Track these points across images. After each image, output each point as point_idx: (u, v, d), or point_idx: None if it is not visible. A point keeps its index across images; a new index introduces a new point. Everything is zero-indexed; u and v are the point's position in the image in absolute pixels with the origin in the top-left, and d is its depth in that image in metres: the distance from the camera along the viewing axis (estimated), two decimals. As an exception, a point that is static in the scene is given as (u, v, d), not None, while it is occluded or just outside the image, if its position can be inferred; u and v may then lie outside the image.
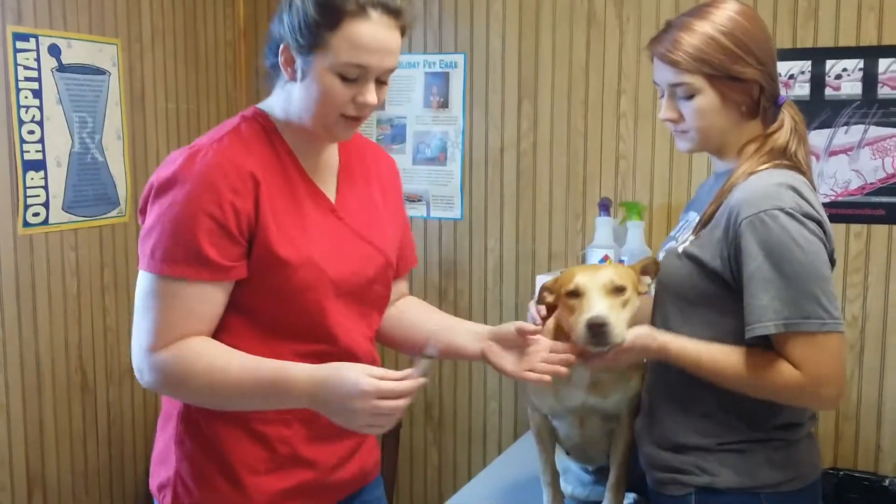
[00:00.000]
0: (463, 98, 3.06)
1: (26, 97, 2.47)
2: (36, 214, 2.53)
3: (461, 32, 3.04)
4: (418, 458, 3.28)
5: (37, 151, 2.51)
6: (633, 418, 1.73)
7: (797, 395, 1.45)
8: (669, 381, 1.60)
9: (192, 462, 1.46)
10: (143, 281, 1.37)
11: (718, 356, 1.48)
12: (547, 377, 1.54)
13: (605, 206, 2.72)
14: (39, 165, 2.53)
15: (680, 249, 1.56)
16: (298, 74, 1.40)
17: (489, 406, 3.14)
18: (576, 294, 1.55)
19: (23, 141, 2.48)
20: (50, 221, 2.57)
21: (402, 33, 1.43)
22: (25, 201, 2.50)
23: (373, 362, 1.54)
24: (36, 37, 2.50)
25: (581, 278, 1.56)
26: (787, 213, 1.41)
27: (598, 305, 1.50)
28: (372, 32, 1.36)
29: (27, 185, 2.49)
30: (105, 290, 2.81)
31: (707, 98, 1.51)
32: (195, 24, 3.12)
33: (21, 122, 2.47)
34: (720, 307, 1.50)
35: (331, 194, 1.51)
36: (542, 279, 2.72)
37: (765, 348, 1.46)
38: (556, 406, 1.75)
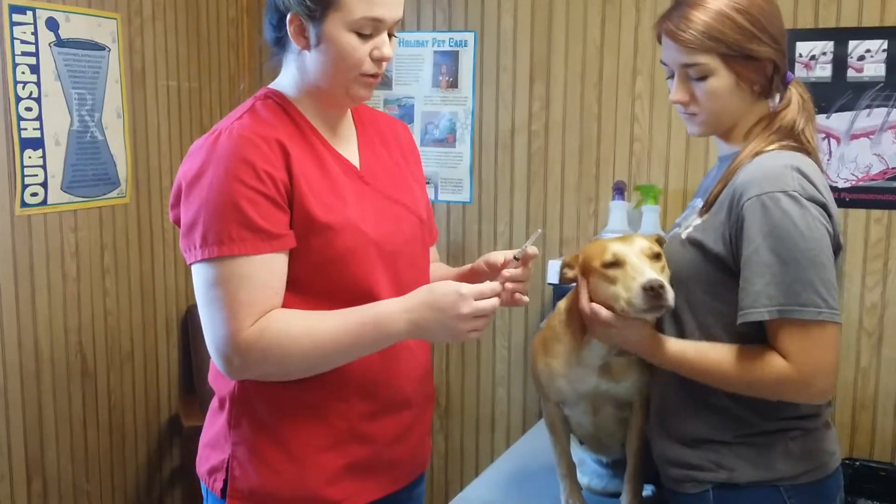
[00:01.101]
0: (473, 78, 2.99)
1: (23, 72, 2.40)
2: (34, 194, 2.46)
3: (471, 10, 2.97)
4: (424, 446, 3.22)
5: (34, 129, 2.44)
6: (647, 406, 1.69)
7: (786, 388, 1.41)
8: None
9: (249, 444, 1.45)
10: (202, 273, 1.35)
11: (706, 349, 1.47)
12: (524, 298, 1.55)
13: (619, 190, 2.67)
14: (37, 144, 2.45)
15: (683, 235, 1.52)
16: (312, 41, 1.39)
17: (497, 393, 3.10)
18: (615, 264, 1.50)
19: (20, 118, 2.40)
20: (48, 202, 2.51)
21: None
22: (23, 181, 2.43)
23: None
24: (33, 10, 2.42)
25: (618, 247, 1.52)
26: (790, 196, 1.38)
27: (647, 270, 1.46)
28: None
29: (24, 164, 2.43)
30: (106, 272, 2.75)
31: (721, 79, 1.47)
32: (197, 0, 3.04)
33: (18, 99, 2.40)
34: (726, 296, 1.46)
35: (354, 161, 1.52)
36: (553, 265, 2.69)
37: (758, 340, 1.43)
38: (566, 391, 1.70)
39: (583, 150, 2.87)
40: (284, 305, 1.40)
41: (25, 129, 2.42)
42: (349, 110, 1.56)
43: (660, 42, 1.55)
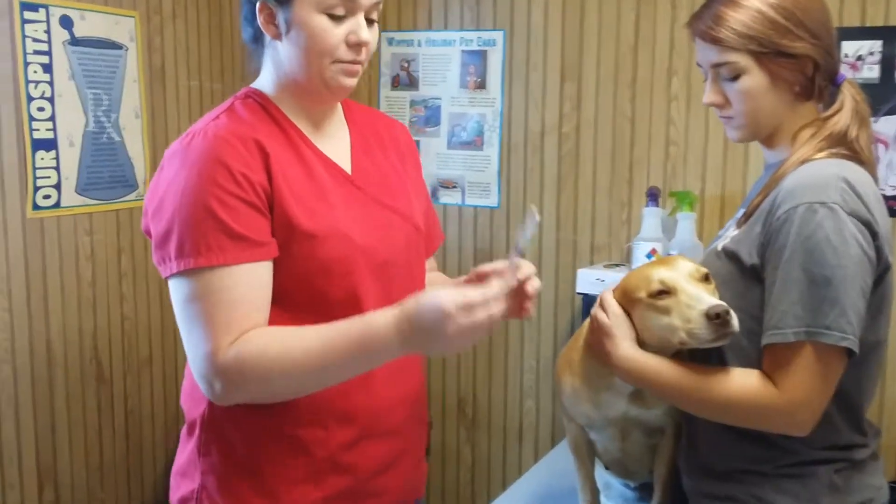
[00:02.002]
0: (501, 78, 2.90)
1: (35, 72, 2.35)
2: (47, 197, 2.42)
3: (500, 7, 2.88)
4: (450, 457, 3.15)
5: (47, 130, 2.39)
6: (679, 433, 1.60)
7: (765, 416, 1.33)
8: None
9: (218, 474, 1.36)
10: (179, 287, 1.25)
11: (682, 365, 1.39)
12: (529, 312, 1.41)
13: (653, 196, 2.56)
14: (50, 145, 2.41)
15: (720, 247, 1.45)
16: (282, 28, 1.30)
17: (525, 404, 3.01)
18: (665, 293, 1.40)
19: (32, 118, 2.36)
20: (62, 204, 2.46)
21: None
22: (35, 183, 2.38)
23: None
24: (46, 7, 2.37)
25: (664, 273, 1.41)
26: (829, 208, 1.28)
27: (704, 295, 1.36)
28: None
29: (36, 166, 2.38)
30: (122, 276, 2.70)
31: (754, 78, 1.39)
32: (219, -3, 2.98)
33: (30, 99, 2.35)
34: (762, 314, 1.36)
35: (345, 164, 1.42)
36: (583, 273, 2.60)
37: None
38: (593, 416, 1.61)
39: (615, 154, 2.76)
40: (273, 321, 1.29)
41: (38, 129, 2.37)
42: (339, 109, 1.46)
43: (694, 42, 1.46)
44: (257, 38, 1.36)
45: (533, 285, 1.35)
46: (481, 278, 1.38)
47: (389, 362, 1.29)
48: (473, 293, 1.18)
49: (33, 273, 2.42)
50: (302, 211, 1.29)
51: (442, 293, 1.18)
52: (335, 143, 1.43)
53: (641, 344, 1.47)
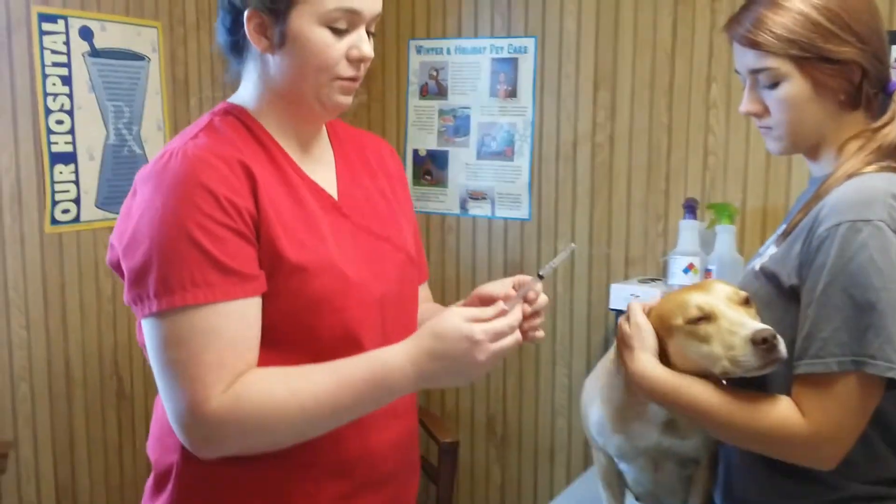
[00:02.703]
0: (533, 86, 2.82)
1: (54, 84, 2.32)
2: (65, 211, 2.38)
3: (532, 13, 2.81)
4: (479, 477, 3.09)
5: (66, 143, 2.36)
6: (715, 464, 1.52)
7: (789, 447, 1.25)
8: None
9: None
10: (158, 329, 1.11)
11: (708, 385, 1.31)
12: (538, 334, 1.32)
13: (690, 208, 2.47)
14: (69, 158, 2.37)
15: (758, 266, 1.36)
16: (276, 40, 1.19)
17: (557, 423, 2.92)
18: (704, 318, 1.31)
19: (50, 132, 2.32)
20: (81, 219, 2.42)
21: None
22: (53, 197, 2.34)
23: None
24: (65, 18, 2.33)
25: (701, 298, 1.32)
26: (875, 226, 1.20)
27: (747, 320, 1.27)
28: None
29: (54, 180, 2.34)
30: (143, 291, 2.64)
31: (795, 85, 1.30)
32: (245, 7, 2.93)
33: (48, 111, 2.31)
34: None
35: (331, 190, 1.32)
36: (617, 288, 2.52)
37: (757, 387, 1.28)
38: (624, 446, 1.53)
39: (651, 164, 2.67)
40: (260, 363, 1.17)
41: (56, 143, 2.34)
42: (324, 128, 1.36)
43: (732, 46, 1.38)
44: (237, 48, 1.25)
45: (538, 304, 1.27)
46: (484, 301, 1.29)
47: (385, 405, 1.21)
48: (504, 322, 1.16)
49: (51, 289, 2.39)
50: (290, 242, 1.19)
51: (459, 322, 1.14)
52: (321, 165, 1.32)
53: None
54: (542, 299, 1.27)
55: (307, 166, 1.29)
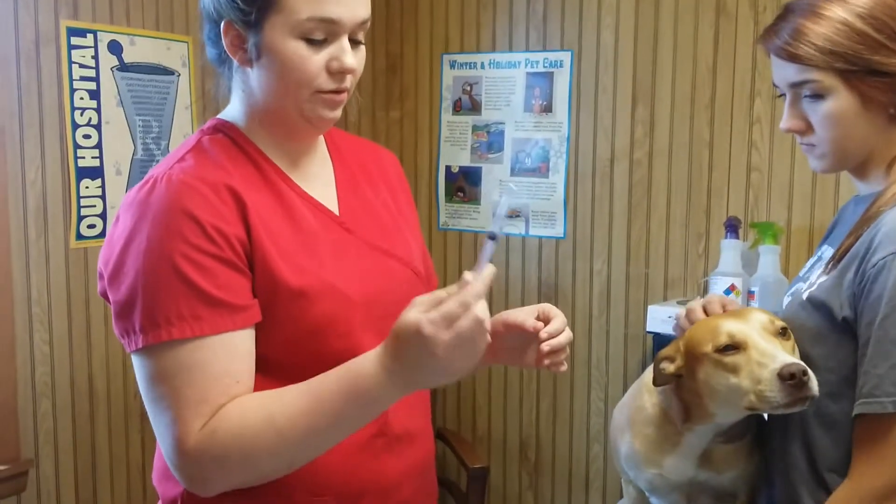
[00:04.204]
0: (569, 101, 2.77)
1: (82, 98, 2.30)
2: (91, 226, 2.36)
3: (568, 27, 2.76)
4: (511, 504, 2.98)
5: (93, 158, 2.34)
6: (754, 498, 1.43)
7: None
8: (791, 453, 1.28)
9: None
10: (146, 363, 1.07)
11: None
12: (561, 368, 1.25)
13: (732, 227, 2.39)
14: (96, 173, 2.35)
15: (804, 295, 1.27)
16: (252, 53, 1.13)
17: (592, 449, 2.84)
18: (733, 347, 1.23)
19: (77, 146, 2.31)
20: (107, 234, 2.39)
21: None
22: (79, 211, 2.32)
23: (423, 394, 1.31)
24: (94, 32, 2.33)
25: (733, 325, 1.25)
26: None
27: (779, 352, 1.20)
28: None
29: (81, 195, 2.32)
30: (170, 308, 2.61)
31: (841, 100, 1.21)
32: (277, 21, 2.91)
33: (76, 126, 2.30)
34: (855, 376, 1.20)
35: (332, 205, 1.26)
36: (654, 310, 2.43)
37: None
38: (656, 481, 1.45)
39: (692, 181, 2.60)
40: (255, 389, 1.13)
41: (83, 157, 2.32)
42: (321, 139, 1.30)
43: (770, 58, 1.29)
44: (224, 60, 1.19)
45: (558, 341, 1.19)
46: (509, 329, 1.22)
47: (397, 429, 1.14)
48: (450, 302, 0.99)
49: (76, 304, 2.37)
50: (288, 266, 1.13)
51: (412, 313, 1.00)
52: (319, 180, 1.26)
53: (704, 408, 1.28)
54: (565, 336, 1.20)
55: (304, 182, 1.23)
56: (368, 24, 1.16)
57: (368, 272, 1.22)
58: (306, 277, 1.14)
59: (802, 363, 1.16)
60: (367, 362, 1.05)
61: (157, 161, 2.48)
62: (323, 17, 1.10)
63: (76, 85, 2.29)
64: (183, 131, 2.59)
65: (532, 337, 1.22)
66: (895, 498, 1.11)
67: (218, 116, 1.23)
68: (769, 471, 1.35)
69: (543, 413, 2.91)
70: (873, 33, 1.18)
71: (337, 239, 1.22)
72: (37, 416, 2.30)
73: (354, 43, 1.15)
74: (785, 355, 1.18)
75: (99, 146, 2.36)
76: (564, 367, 1.23)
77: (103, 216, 2.39)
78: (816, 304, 1.23)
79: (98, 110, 2.35)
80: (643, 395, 1.42)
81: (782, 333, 1.24)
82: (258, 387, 1.12)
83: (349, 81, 1.16)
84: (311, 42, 1.11)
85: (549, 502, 2.94)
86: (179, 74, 2.57)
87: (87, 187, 2.33)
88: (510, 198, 1.11)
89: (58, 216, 2.30)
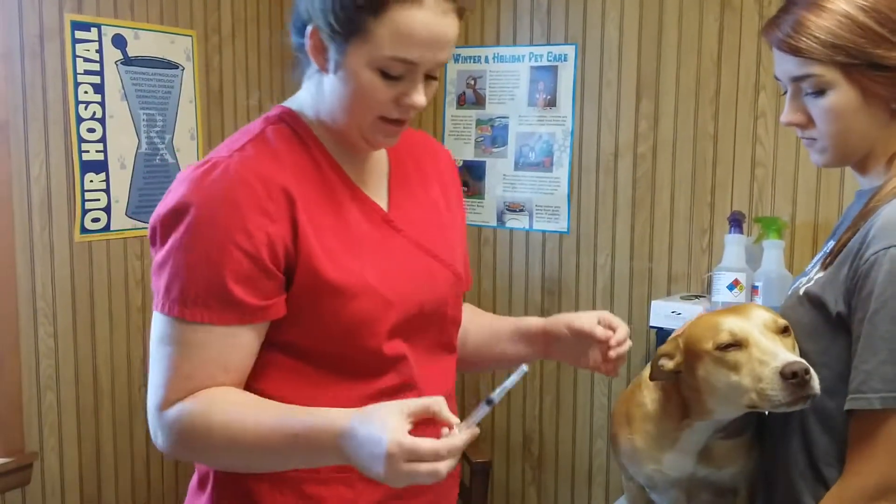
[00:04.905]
0: (573, 95, 2.75)
1: (86, 92, 2.31)
2: (95, 220, 2.37)
3: (572, 20, 2.74)
4: (514, 498, 3.02)
5: (97, 151, 2.35)
6: (754, 494, 1.43)
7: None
8: (790, 449, 1.28)
9: None
10: (158, 324, 1.17)
11: None
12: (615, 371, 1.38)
13: (736, 222, 2.37)
14: (100, 167, 2.36)
15: (802, 290, 1.27)
16: (331, 65, 1.17)
17: (595, 444, 2.83)
18: (734, 345, 1.23)
19: (81, 140, 2.32)
20: (111, 228, 2.41)
21: (460, 17, 1.18)
22: (83, 205, 2.33)
23: (450, 394, 1.34)
24: (98, 26, 2.33)
25: (734, 322, 1.25)
26: None
27: (780, 350, 1.20)
28: (425, 21, 1.12)
29: (85, 188, 2.33)
30: (174, 301, 2.62)
31: (842, 94, 1.20)
32: (281, 14, 2.92)
33: (80, 119, 2.31)
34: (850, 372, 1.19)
35: (383, 202, 1.29)
36: (658, 305, 2.43)
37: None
38: (656, 476, 1.45)
39: (696, 176, 2.58)
40: (281, 377, 1.20)
41: (87, 151, 2.33)
42: None
43: (772, 52, 1.28)
44: (303, 50, 1.22)
45: (623, 349, 1.30)
46: (574, 334, 1.33)
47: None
48: (425, 444, 1.01)
49: (80, 298, 2.38)
50: (330, 263, 1.18)
51: (391, 422, 1.02)
52: (373, 175, 1.30)
53: (703, 405, 1.28)
54: (627, 344, 1.31)
55: (358, 177, 1.27)
56: (446, 62, 1.19)
57: (410, 272, 1.26)
58: (346, 275, 1.18)
59: (804, 362, 1.16)
60: (334, 423, 1.07)
61: (162, 155, 2.50)
62: (405, 59, 1.13)
63: (80, 79, 2.30)
64: (187, 126, 2.60)
65: (594, 342, 1.30)
66: (888, 497, 1.11)
67: (284, 104, 1.27)
68: (768, 467, 1.35)
69: (547, 408, 2.90)
70: (875, 27, 1.17)
71: (383, 237, 1.25)
72: (41, 409, 2.31)
73: (429, 78, 1.18)
74: (787, 353, 1.18)
75: (103, 140, 2.36)
76: (617, 373, 1.34)
77: (107, 210, 2.40)
78: (812, 300, 1.23)
79: (102, 104, 2.35)
80: (642, 391, 1.42)
81: (784, 331, 1.24)
82: (295, 377, 1.20)
83: (413, 113, 1.20)
84: (387, 76, 1.14)
85: (552, 497, 2.93)
86: (184, 68, 2.57)
87: (91, 181, 2.34)
88: (519, 377, 1.15)
89: (62, 210, 2.30)
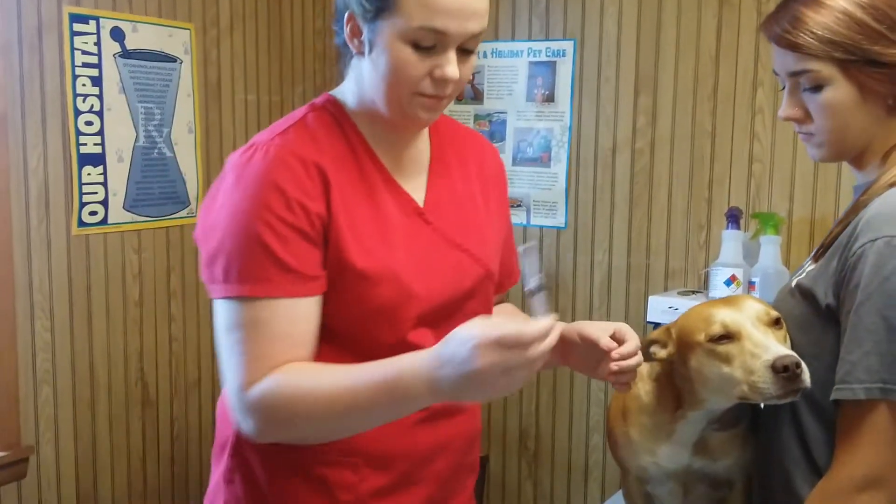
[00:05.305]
0: (571, 91, 2.76)
1: (84, 85, 2.30)
2: (93, 213, 2.36)
3: (571, 16, 2.74)
4: (511, 493, 3.01)
5: (95, 144, 2.34)
6: (749, 486, 1.44)
7: (831, 498, 1.15)
8: (784, 440, 1.28)
9: None
10: (222, 312, 1.19)
11: None
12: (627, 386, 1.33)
13: (733, 217, 2.38)
14: (98, 160, 2.35)
15: (793, 283, 1.28)
16: (366, 47, 1.20)
17: (592, 439, 2.84)
18: (727, 337, 1.24)
19: (79, 132, 2.31)
20: (109, 221, 2.40)
21: None
22: (81, 198, 2.32)
23: None
24: (96, 19, 2.32)
25: (727, 314, 1.26)
26: None
27: (772, 343, 1.20)
28: None
29: (82, 181, 2.32)
30: (171, 296, 2.63)
31: (840, 90, 1.20)
32: (280, 8, 2.92)
33: (78, 112, 2.30)
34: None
35: (419, 194, 1.31)
36: (655, 300, 2.43)
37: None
38: (652, 468, 1.46)
39: (693, 171, 2.59)
40: (319, 359, 1.21)
41: (85, 144, 2.32)
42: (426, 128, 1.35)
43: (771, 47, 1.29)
44: (346, 46, 1.26)
45: (628, 364, 1.24)
46: (585, 341, 1.28)
47: (438, 404, 1.19)
48: (508, 328, 1.03)
49: (77, 291, 2.37)
50: (358, 248, 1.20)
51: (476, 324, 1.06)
52: (412, 167, 1.31)
53: (695, 395, 1.29)
54: (635, 360, 1.25)
55: (396, 167, 1.29)
56: (482, 35, 1.20)
57: (438, 266, 1.27)
58: (372, 261, 1.20)
59: (795, 355, 1.17)
60: (416, 360, 1.10)
61: (160, 148, 2.50)
62: (433, 28, 1.14)
63: (78, 72, 2.29)
64: (185, 119, 2.59)
65: (604, 353, 1.27)
66: (874, 488, 1.11)
67: (330, 93, 1.31)
68: (763, 457, 1.36)
69: (543, 403, 2.91)
70: (873, 23, 1.18)
71: (414, 229, 1.27)
72: (37, 403, 2.30)
73: (465, 52, 1.19)
74: (779, 347, 1.19)
75: (101, 133, 2.36)
76: (629, 389, 1.30)
77: (105, 203, 2.39)
78: (804, 292, 1.24)
79: (100, 97, 2.34)
80: (637, 384, 1.43)
81: (776, 323, 1.24)
82: (322, 355, 1.21)
83: (451, 88, 1.20)
84: (419, 48, 1.16)
85: (548, 492, 2.94)
86: (182, 61, 2.56)
87: (88, 174, 2.33)
88: (534, 257, 1.16)
89: (59, 203, 2.30)
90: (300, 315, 1.17)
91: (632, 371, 1.27)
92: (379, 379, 1.11)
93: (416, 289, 1.23)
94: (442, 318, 1.27)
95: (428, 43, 1.15)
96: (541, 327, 1.04)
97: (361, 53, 1.21)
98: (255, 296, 1.15)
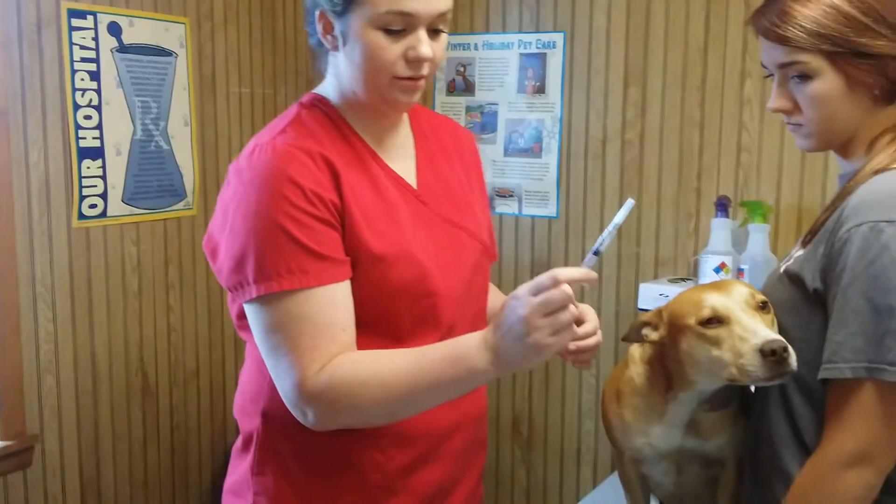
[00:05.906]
0: (561, 82, 2.78)
1: (82, 79, 2.32)
2: (92, 206, 2.39)
3: (561, 8, 2.77)
4: (504, 479, 3.04)
5: (94, 138, 2.37)
6: (741, 465, 1.47)
7: (821, 474, 1.19)
8: (774, 420, 1.32)
9: (271, 495, 1.32)
10: (260, 313, 1.20)
11: None
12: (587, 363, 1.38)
13: (722, 206, 2.41)
14: (97, 153, 2.38)
15: (782, 268, 1.31)
16: (339, 41, 1.25)
17: (584, 425, 2.87)
18: (716, 320, 1.28)
19: (78, 127, 2.33)
20: (108, 214, 2.43)
21: None
22: (81, 192, 2.35)
23: None
24: (94, 14, 2.34)
25: (716, 298, 1.29)
26: None
27: (760, 327, 1.24)
28: None
29: (82, 175, 2.35)
30: (170, 287, 2.65)
31: (827, 81, 1.23)
32: (273, 3, 2.94)
33: (77, 107, 2.32)
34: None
35: (410, 179, 1.36)
36: (645, 288, 2.46)
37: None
38: (646, 449, 1.50)
39: (682, 161, 2.61)
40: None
41: (84, 138, 2.34)
42: (406, 116, 1.40)
43: (759, 40, 1.32)
44: (322, 43, 1.30)
45: (586, 343, 1.29)
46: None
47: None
48: (553, 295, 1.09)
49: (78, 283, 2.40)
50: (371, 233, 1.24)
51: (515, 298, 1.12)
52: (400, 155, 1.37)
53: (686, 376, 1.34)
54: (594, 339, 1.30)
55: (387, 156, 1.33)
56: (450, 14, 1.24)
57: (441, 242, 1.33)
58: (386, 244, 1.25)
59: (783, 339, 1.20)
60: (473, 336, 1.16)
61: (156, 142, 2.52)
62: (400, 11, 1.19)
63: (77, 66, 2.31)
64: (181, 112, 2.62)
65: None
66: (862, 464, 1.14)
67: (314, 91, 1.34)
68: (753, 437, 1.39)
69: (536, 389, 2.94)
70: (860, 16, 1.21)
71: (414, 211, 1.32)
72: (41, 392, 2.33)
73: (435, 32, 1.23)
74: (766, 331, 1.22)
75: (99, 127, 2.38)
76: (589, 367, 1.35)
77: (104, 196, 2.42)
78: (791, 277, 1.27)
79: (98, 91, 2.37)
80: (630, 368, 1.47)
81: (763, 307, 1.28)
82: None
83: (426, 69, 1.24)
84: (390, 32, 1.20)
85: (541, 477, 2.97)
86: (177, 55, 2.59)
87: (88, 168, 2.36)
88: (627, 210, 1.23)
89: (60, 196, 2.32)
90: (339, 300, 1.20)
91: (591, 349, 1.31)
92: (440, 356, 1.16)
93: (430, 266, 1.28)
94: (451, 293, 1.32)
95: (398, 26, 1.20)
96: (570, 270, 1.11)
97: (336, 48, 1.25)
98: (293, 288, 1.16)
